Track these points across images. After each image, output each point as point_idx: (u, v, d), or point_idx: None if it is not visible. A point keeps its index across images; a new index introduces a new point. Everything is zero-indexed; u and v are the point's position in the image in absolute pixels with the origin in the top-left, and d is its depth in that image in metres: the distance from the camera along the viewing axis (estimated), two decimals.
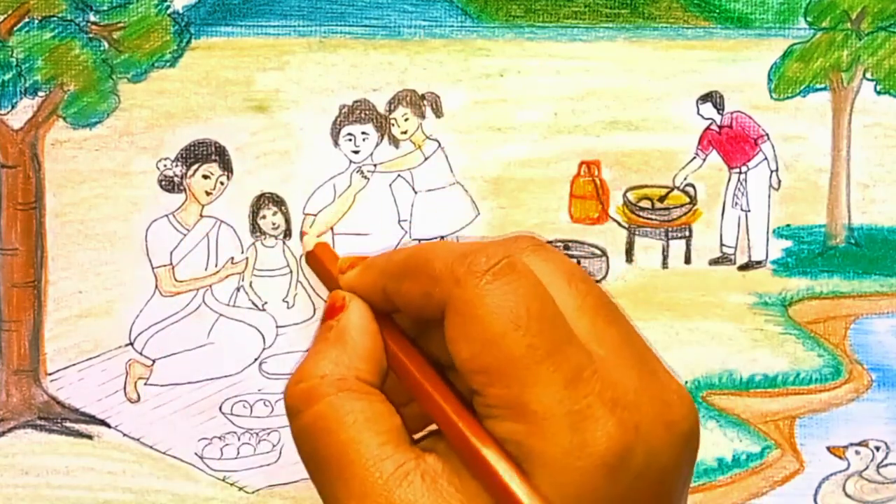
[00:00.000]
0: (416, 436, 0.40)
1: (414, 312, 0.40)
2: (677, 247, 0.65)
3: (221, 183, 0.62)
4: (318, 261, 0.49)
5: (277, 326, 0.63)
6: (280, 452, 0.63)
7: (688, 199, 0.65)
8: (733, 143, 0.65)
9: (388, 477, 0.37)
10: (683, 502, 0.38)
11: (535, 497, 0.34)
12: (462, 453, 0.37)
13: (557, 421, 0.35)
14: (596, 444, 0.35)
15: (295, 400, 0.40)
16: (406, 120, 0.63)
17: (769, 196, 0.65)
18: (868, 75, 0.64)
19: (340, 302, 0.43)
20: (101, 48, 0.61)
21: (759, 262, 0.65)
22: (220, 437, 0.63)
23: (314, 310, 0.64)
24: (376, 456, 0.37)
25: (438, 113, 0.63)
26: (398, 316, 0.43)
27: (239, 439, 0.63)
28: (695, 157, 0.64)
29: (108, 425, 0.63)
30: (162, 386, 0.63)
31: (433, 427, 0.40)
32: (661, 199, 0.65)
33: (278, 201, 0.63)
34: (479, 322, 0.36)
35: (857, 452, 0.65)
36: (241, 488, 0.63)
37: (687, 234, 0.65)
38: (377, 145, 0.63)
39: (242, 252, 0.63)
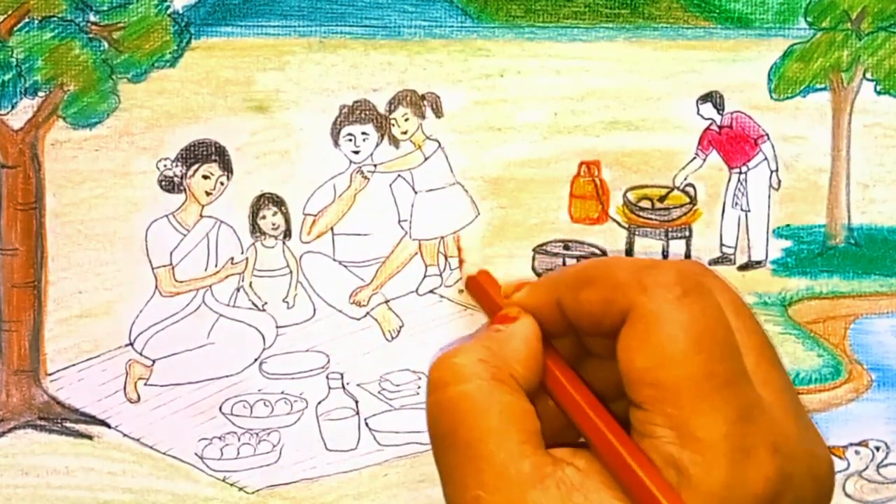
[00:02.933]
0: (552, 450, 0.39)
1: (589, 323, 0.39)
2: (677, 247, 0.65)
3: (221, 183, 0.62)
4: (480, 287, 0.48)
5: (277, 326, 0.63)
6: (280, 452, 0.63)
7: (688, 199, 0.65)
8: (733, 143, 0.65)
9: (525, 476, 0.36)
10: None
11: None
12: (617, 471, 0.36)
13: (722, 454, 0.35)
14: (753, 484, 0.35)
15: (444, 372, 0.39)
16: (406, 120, 0.63)
17: (769, 196, 0.65)
18: (868, 75, 0.64)
19: (514, 314, 0.42)
20: (101, 48, 0.61)
21: (758, 262, 0.65)
22: (220, 437, 0.63)
23: (314, 310, 0.64)
24: (516, 453, 0.37)
25: (438, 113, 0.63)
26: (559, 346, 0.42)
27: (239, 439, 0.63)
28: (695, 157, 0.64)
29: (108, 425, 0.63)
30: (162, 386, 0.63)
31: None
32: (661, 199, 0.65)
33: (278, 201, 0.63)
34: (662, 334, 0.36)
35: (857, 452, 0.65)
36: (241, 488, 0.63)
37: (687, 234, 0.65)
38: (377, 145, 0.63)
39: (242, 252, 0.63)
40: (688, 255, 0.65)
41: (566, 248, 0.64)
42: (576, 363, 0.42)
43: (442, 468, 0.38)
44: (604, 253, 0.64)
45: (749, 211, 0.65)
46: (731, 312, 0.38)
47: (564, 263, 0.64)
